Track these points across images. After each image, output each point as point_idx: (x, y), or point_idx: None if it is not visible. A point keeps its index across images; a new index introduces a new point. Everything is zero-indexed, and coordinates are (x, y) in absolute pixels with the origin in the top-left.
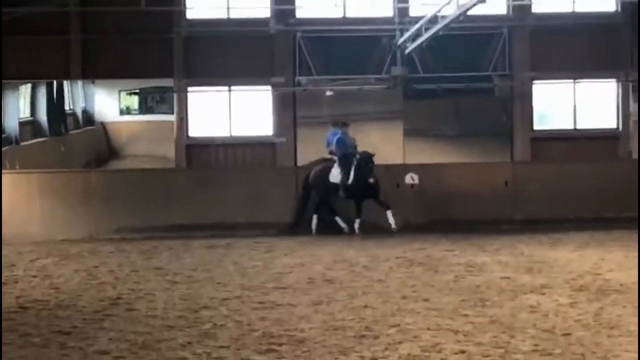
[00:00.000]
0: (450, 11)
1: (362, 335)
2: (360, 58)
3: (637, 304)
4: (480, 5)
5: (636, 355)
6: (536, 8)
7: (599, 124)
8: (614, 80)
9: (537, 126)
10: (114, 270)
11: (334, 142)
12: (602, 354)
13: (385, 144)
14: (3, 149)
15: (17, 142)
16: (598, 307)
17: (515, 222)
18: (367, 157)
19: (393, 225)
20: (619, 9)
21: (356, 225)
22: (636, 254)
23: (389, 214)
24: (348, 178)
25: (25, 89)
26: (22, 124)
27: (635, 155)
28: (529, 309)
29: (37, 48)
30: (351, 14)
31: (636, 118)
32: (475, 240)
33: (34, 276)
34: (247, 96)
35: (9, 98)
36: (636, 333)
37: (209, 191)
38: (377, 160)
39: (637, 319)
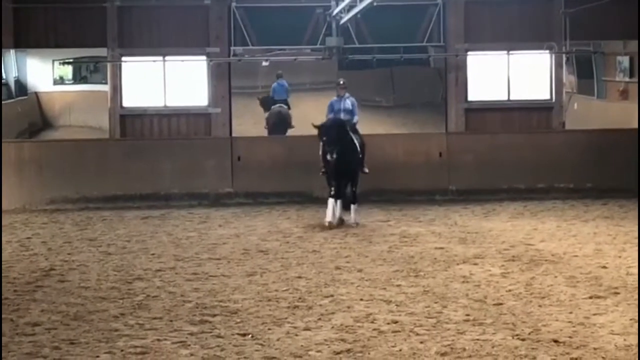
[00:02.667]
0: None
1: (295, 305)
2: (295, 28)
3: (568, 274)
4: None
5: (565, 324)
6: None
7: (532, 95)
8: (548, 51)
9: (471, 97)
10: (46, 241)
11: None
12: (532, 323)
13: (321, 115)
14: None
15: None
16: (530, 277)
17: (449, 192)
18: (338, 125)
19: (353, 221)
20: None
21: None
22: (568, 224)
23: (353, 208)
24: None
25: None
26: None
27: (568, 126)
28: (462, 279)
29: None
30: None
31: (570, 89)
32: (410, 211)
33: None
34: (182, 66)
35: None
36: (566, 302)
37: (143, 162)
38: (311, 131)
39: (567, 288)
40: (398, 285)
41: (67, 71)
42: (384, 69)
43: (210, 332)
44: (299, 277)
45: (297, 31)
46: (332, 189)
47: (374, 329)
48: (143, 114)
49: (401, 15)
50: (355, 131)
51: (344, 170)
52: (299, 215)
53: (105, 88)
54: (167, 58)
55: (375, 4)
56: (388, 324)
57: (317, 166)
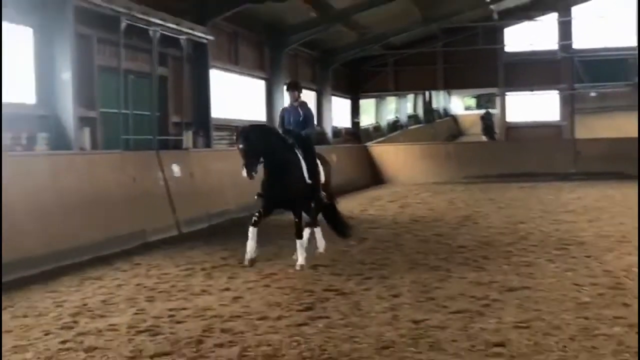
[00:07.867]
0: None
1: (620, 240)
2: (613, 70)
3: None
4: None
5: None
6: None
7: None
8: None
9: None
10: (465, 199)
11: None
12: None
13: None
14: (395, 133)
15: (406, 127)
16: None
17: None
18: (264, 131)
19: (299, 262)
20: None
21: (299, 260)
22: None
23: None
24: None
25: (411, 97)
26: (409, 117)
27: None
28: None
29: (417, 71)
30: (609, 44)
31: None
32: None
33: (419, 203)
34: (542, 97)
35: (401, 102)
36: None
37: (520, 154)
38: (627, 134)
39: None
40: None
41: (472, 102)
42: None
43: (567, 255)
44: (621, 224)
45: (615, 71)
46: (256, 213)
47: None
48: (519, 126)
49: None
50: (308, 149)
51: (278, 196)
52: (619, 185)
53: (496, 111)
54: (533, 92)
55: None
56: None
57: (618, 157)
